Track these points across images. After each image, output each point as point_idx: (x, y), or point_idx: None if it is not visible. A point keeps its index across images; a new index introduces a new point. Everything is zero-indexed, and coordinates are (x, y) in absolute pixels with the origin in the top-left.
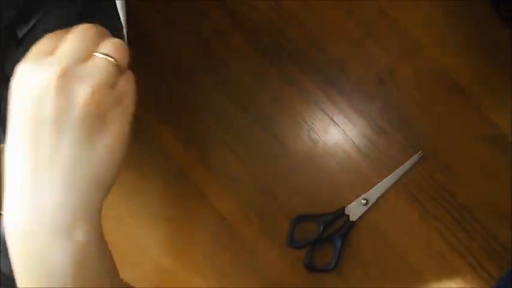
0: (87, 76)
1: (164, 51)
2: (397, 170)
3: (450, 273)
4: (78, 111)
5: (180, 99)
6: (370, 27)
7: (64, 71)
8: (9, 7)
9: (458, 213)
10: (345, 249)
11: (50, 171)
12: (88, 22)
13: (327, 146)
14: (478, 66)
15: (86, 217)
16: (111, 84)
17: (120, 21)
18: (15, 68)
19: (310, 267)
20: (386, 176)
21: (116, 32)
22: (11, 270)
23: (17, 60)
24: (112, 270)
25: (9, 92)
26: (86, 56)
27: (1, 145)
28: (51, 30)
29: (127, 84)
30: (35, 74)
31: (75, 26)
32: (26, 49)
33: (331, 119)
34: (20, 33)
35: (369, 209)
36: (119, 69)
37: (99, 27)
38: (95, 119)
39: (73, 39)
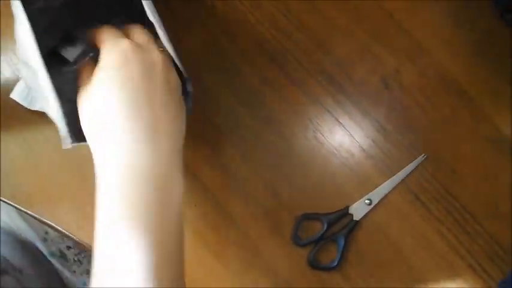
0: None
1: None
2: (400, 172)
3: (451, 274)
4: None
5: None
6: (376, 30)
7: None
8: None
9: (460, 215)
10: (348, 248)
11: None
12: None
13: (332, 146)
14: (481, 71)
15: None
16: None
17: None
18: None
19: (314, 264)
20: (390, 177)
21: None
22: (11, 256)
23: (65, 79)
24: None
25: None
26: None
27: None
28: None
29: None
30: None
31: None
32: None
33: (337, 120)
34: (69, 55)
35: (372, 209)
36: None
37: None
38: None
39: None
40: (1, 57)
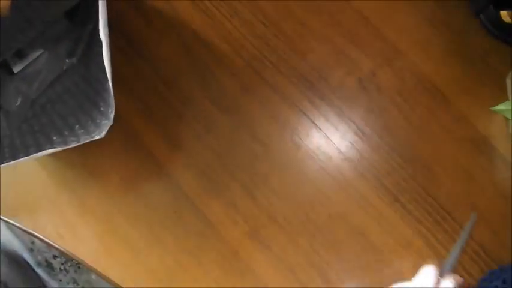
0: None
1: (151, 58)
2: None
3: None
4: None
5: (166, 104)
6: (351, 34)
7: None
8: (10, 45)
9: (439, 214)
10: (328, 249)
11: None
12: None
13: (309, 149)
14: (457, 72)
15: None
16: None
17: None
18: (7, 100)
19: None
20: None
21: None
22: (10, 280)
23: (9, 92)
24: None
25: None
26: None
27: None
28: (41, 70)
29: None
30: None
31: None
32: (18, 84)
33: (313, 123)
34: (16, 68)
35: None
36: None
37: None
38: None
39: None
40: None
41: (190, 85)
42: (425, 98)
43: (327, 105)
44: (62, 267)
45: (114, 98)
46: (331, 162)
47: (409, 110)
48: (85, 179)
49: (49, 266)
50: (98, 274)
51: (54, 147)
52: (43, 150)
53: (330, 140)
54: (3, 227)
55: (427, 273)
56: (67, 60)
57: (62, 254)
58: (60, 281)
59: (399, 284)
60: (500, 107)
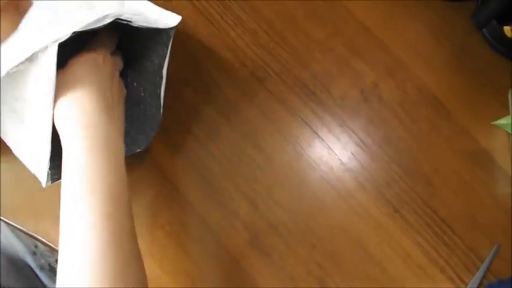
0: None
1: None
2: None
3: (430, 286)
4: None
5: (171, 113)
6: (355, 46)
7: None
8: None
9: (438, 227)
10: (328, 259)
11: None
12: None
13: (311, 159)
14: (459, 85)
15: None
16: None
17: None
18: None
19: None
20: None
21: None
22: (10, 284)
23: None
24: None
25: None
26: None
27: None
28: None
29: None
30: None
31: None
32: None
33: (315, 133)
34: None
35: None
36: None
37: None
38: None
39: None
40: None
41: (193, 93)
42: (426, 111)
43: (329, 115)
44: None
45: None
46: (332, 173)
47: (411, 122)
48: None
49: (52, 271)
50: None
51: None
52: None
53: (331, 151)
54: (7, 230)
55: None
56: None
57: None
58: None
59: None
60: (502, 121)
